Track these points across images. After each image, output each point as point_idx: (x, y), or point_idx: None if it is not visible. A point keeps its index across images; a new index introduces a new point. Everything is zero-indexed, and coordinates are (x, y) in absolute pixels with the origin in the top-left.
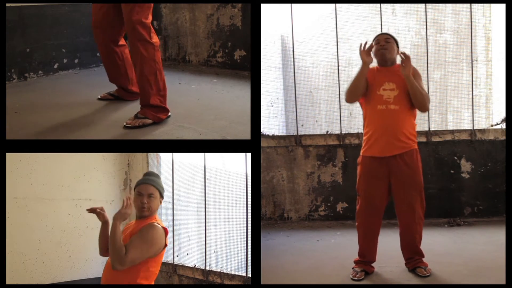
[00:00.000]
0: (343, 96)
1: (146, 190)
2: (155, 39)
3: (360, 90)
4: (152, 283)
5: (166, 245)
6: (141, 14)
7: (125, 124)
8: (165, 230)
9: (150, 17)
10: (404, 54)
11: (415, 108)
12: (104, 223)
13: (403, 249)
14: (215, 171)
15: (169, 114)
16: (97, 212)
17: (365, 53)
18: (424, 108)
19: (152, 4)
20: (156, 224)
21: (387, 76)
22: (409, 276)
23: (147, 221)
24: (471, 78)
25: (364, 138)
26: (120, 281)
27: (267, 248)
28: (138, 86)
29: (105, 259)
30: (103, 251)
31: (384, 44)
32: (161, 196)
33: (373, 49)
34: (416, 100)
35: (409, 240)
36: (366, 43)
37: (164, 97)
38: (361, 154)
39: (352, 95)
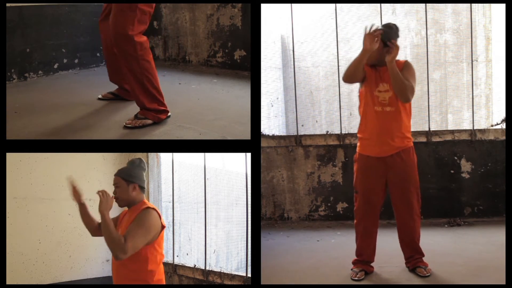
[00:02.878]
0: (343, 95)
1: (113, 182)
2: (142, 50)
3: (357, 75)
4: (161, 265)
5: (163, 226)
6: (125, 26)
7: (125, 124)
8: (158, 212)
9: (141, 27)
10: (393, 43)
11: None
12: (81, 205)
13: (403, 247)
14: (215, 171)
15: (169, 114)
16: (75, 191)
17: (369, 38)
18: (404, 97)
19: (136, 14)
20: (150, 208)
21: (381, 76)
22: (409, 276)
23: (139, 207)
24: (471, 78)
25: (359, 135)
26: (130, 269)
27: (267, 248)
28: (131, 95)
29: (104, 258)
30: (93, 231)
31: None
32: (130, 182)
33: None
34: (395, 86)
35: (407, 237)
36: (372, 25)
37: (160, 101)
38: (357, 151)
39: (349, 78)
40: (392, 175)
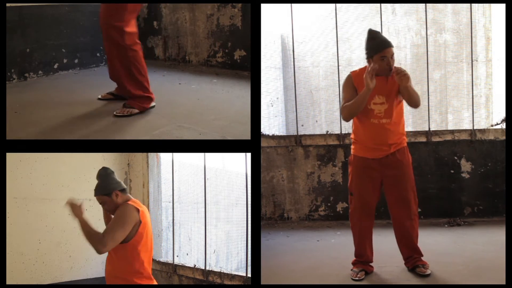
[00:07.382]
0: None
1: (98, 202)
2: (130, 41)
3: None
4: (149, 267)
5: (141, 222)
6: (114, 17)
7: (114, 113)
8: (136, 207)
9: (128, 18)
10: (398, 70)
11: (404, 103)
12: (83, 221)
13: (401, 247)
14: (215, 171)
15: (153, 103)
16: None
17: (370, 76)
18: (417, 106)
19: (127, 7)
20: (127, 203)
21: (376, 88)
22: (409, 276)
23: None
24: (471, 78)
25: (354, 140)
26: (117, 267)
27: (267, 248)
28: (116, 83)
29: (104, 258)
30: None
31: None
32: (109, 194)
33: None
34: (412, 102)
35: (405, 237)
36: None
37: (146, 88)
38: (352, 153)
39: (351, 117)
40: (388, 174)
